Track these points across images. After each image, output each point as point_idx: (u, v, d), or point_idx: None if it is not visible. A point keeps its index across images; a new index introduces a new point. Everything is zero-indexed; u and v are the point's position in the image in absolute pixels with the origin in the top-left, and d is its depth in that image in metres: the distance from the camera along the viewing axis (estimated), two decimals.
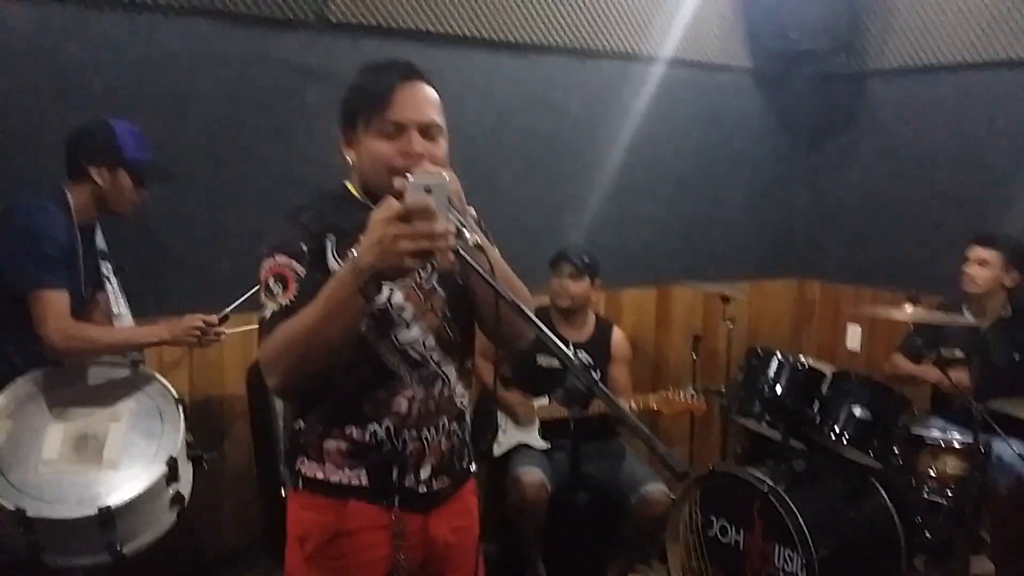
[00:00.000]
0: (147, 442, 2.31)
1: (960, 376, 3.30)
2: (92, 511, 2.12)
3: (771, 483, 3.01)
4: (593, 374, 1.47)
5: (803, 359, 3.43)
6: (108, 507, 2.13)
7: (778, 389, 3.31)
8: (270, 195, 3.29)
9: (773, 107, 4.67)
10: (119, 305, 2.71)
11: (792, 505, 2.92)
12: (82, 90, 2.96)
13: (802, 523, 2.87)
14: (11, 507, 2.08)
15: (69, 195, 2.59)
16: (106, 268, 2.74)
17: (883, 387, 3.34)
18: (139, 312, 2.86)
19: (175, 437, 2.32)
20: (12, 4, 2.84)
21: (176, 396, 2.44)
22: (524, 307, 1.49)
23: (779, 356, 3.39)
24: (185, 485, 2.38)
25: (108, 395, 2.43)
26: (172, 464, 2.27)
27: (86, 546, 2.20)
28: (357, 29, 3.43)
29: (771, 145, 4.70)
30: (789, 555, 2.94)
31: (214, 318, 2.77)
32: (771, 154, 4.71)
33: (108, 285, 2.71)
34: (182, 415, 2.38)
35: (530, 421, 3.45)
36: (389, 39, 3.48)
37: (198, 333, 2.70)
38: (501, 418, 3.48)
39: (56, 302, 2.43)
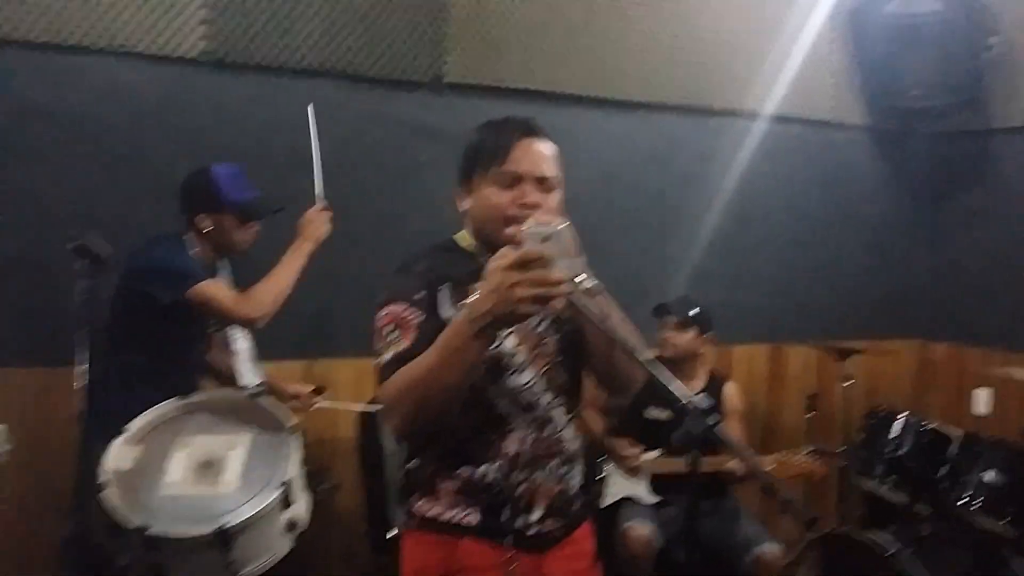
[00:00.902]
0: (263, 468, 2.37)
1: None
2: (210, 530, 2.17)
3: (895, 547, 2.84)
4: (712, 416, 1.42)
5: (927, 421, 3.26)
6: (225, 527, 2.18)
7: (902, 451, 3.15)
8: (383, 247, 3.38)
9: (891, 165, 4.56)
10: (238, 341, 2.82)
11: (919, 570, 2.75)
12: (212, 147, 3.14)
13: None
14: (135, 524, 2.16)
15: (188, 243, 2.75)
16: None
17: (1018, 451, 3.13)
18: (259, 354, 2.98)
19: (289, 464, 2.37)
20: (151, 66, 3.07)
21: (292, 425, 2.50)
22: (637, 352, 1.50)
23: (902, 417, 3.23)
24: (300, 512, 2.42)
25: (229, 423, 2.52)
26: (286, 488, 2.31)
27: (206, 568, 2.25)
28: (471, 89, 3.57)
29: (890, 204, 4.57)
30: None
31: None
32: (890, 213, 4.57)
33: None
34: (297, 444, 2.44)
35: (638, 472, 3.38)
36: (502, 99, 3.58)
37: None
38: (608, 468, 3.42)
39: (216, 288, 2.59)
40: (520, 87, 3.62)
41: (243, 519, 2.21)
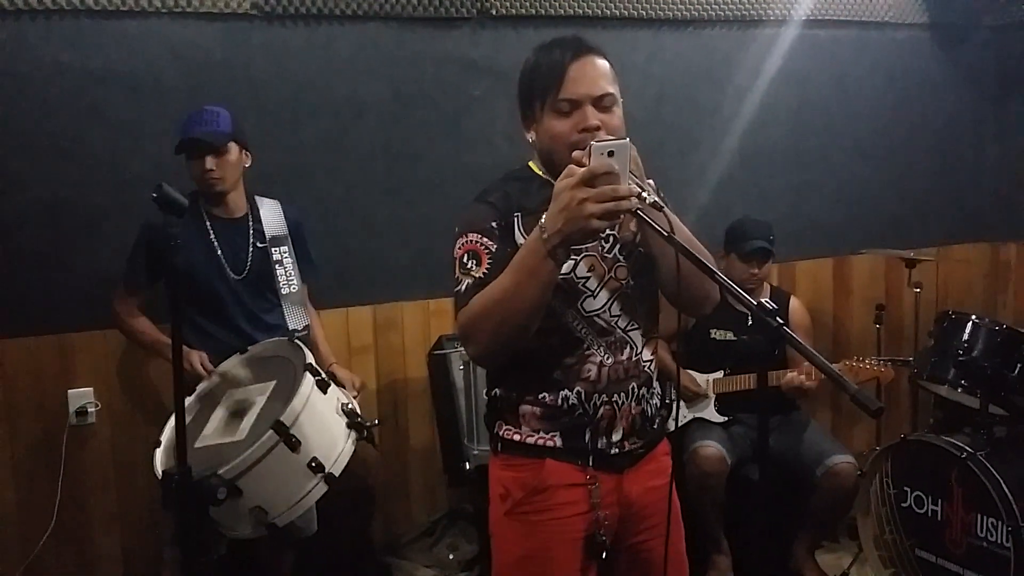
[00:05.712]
0: (277, 411, 2.23)
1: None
2: (210, 474, 2.07)
3: (970, 449, 2.85)
4: (778, 319, 1.44)
5: (1000, 321, 3.21)
6: (218, 473, 2.07)
7: (975, 352, 3.11)
8: (441, 187, 3.45)
9: (954, 63, 4.41)
10: (289, 285, 2.86)
11: (994, 471, 2.75)
12: (271, 99, 3.22)
13: (1006, 490, 2.70)
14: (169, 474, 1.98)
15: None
16: (279, 252, 2.87)
17: None
18: (328, 301, 3.08)
19: (291, 403, 2.22)
20: (206, 25, 3.12)
21: (307, 363, 2.38)
22: (706, 262, 1.51)
23: (974, 318, 3.20)
24: (323, 451, 2.25)
25: (268, 370, 2.52)
26: (279, 429, 2.16)
27: (236, 517, 2.22)
28: (517, 20, 3.54)
29: (954, 103, 4.43)
30: (993, 524, 2.77)
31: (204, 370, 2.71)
32: (955, 112, 4.44)
33: (278, 268, 2.86)
34: (307, 381, 2.31)
35: (700, 401, 3.43)
36: (549, 27, 3.54)
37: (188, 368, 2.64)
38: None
39: (119, 292, 2.85)
40: (566, 13, 3.58)
41: (232, 465, 2.12)
